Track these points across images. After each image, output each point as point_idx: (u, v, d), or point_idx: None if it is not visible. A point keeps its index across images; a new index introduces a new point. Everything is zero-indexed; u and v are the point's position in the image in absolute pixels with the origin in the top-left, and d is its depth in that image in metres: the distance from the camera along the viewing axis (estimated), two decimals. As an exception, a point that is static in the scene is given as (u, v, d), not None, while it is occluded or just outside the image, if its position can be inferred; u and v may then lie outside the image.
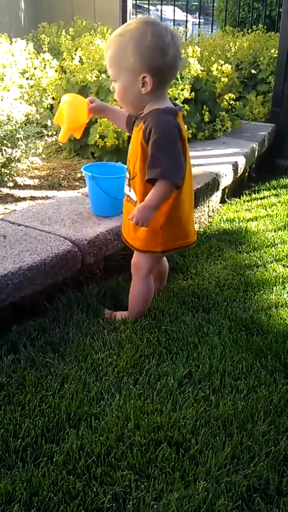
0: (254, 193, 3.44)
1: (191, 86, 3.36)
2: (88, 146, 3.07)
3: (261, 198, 3.32)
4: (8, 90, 3.22)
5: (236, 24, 6.69)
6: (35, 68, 3.78)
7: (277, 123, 4.17)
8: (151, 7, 8.89)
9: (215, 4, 7.97)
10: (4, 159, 2.72)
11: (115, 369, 1.60)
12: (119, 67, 1.65)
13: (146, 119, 1.66)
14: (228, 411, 1.44)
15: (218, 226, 2.82)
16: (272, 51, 4.64)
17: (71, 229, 2.06)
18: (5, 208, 2.49)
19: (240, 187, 3.50)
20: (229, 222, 2.87)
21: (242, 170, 3.33)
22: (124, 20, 5.09)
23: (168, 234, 1.77)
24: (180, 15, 8.76)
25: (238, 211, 3.06)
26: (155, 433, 1.36)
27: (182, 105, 3.22)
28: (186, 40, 5.31)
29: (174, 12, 6.68)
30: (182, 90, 3.24)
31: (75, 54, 3.72)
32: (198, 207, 2.76)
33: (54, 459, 1.28)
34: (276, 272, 2.29)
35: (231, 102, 3.63)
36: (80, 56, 3.72)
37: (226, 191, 3.26)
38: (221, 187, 3.01)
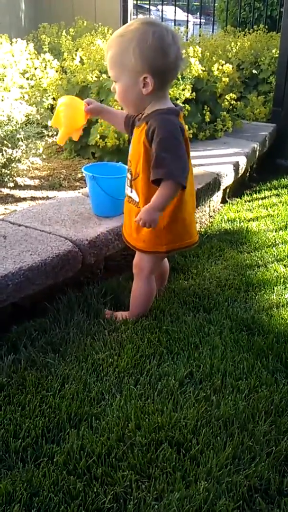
0: (255, 193, 3.43)
1: (192, 86, 3.35)
2: (89, 146, 3.07)
3: (262, 198, 3.32)
4: (9, 91, 3.22)
5: (237, 24, 6.68)
6: (35, 69, 3.78)
7: (278, 123, 4.16)
8: (152, 7, 8.90)
9: (216, 4, 7.97)
10: (5, 160, 2.72)
11: (116, 369, 1.60)
12: (120, 68, 1.65)
13: (148, 120, 1.65)
14: (229, 411, 1.44)
15: (219, 226, 2.82)
16: (274, 51, 4.63)
17: (71, 230, 2.06)
18: (5, 209, 2.49)
19: (241, 187, 3.50)
20: (230, 222, 2.87)
21: (243, 170, 3.33)
22: (125, 20, 5.09)
23: (172, 234, 1.76)
24: (181, 15, 8.76)
25: (239, 211, 3.06)
26: (156, 433, 1.36)
27: (183, 105, 3.22)
28: (187, 40, 5.30)
29: (175, 12, 6.68)
30: (183, 90, 3.24)
31: (76, 55, 3.72)
32: (199, 207, 2.76)
33: (54, 459, 1.28)
34: (277, 272, 2.28)
35: (232, 102, 3.63)
36: (80, 57, 3.71)
37: (227, 191, 3.26)
38: (222, 187, 3.00)
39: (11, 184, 2.76)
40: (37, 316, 1.84)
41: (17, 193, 2.71)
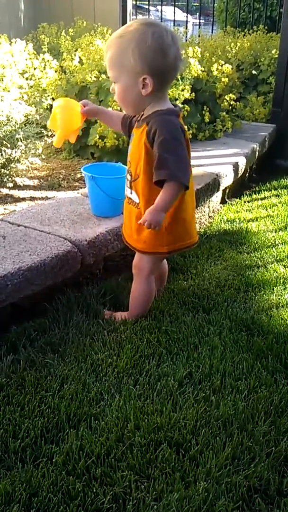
0: (255, 193, 3.43)
1: (191, 86, 3.35)
2: (88, 147, 3.07)
3: (261, 199, 3.32)
4: (8, 91, 3.22)
5: (236, 25, 6.69)
6: (34, 69, 3.78)
7: (277, 123, 4.17)
8: (151, 8, 8.91)
9: (215, 4, 7.97)
10: (4, 160, 2.72)
11: (115, 370, 1.60)
12: (119, 69, 1.64)
13: (149, 121, 1.65)
14: (228, 411, 1.44)
15: (219, 226, 2.82)
16: (273, 51, 4.64)
17: (70, 230, 2.06)
18: (4, 209, 2.49)
19: (240, 188, 3.50)
20: (229, 222, 2.87)
21: (243, 170, 3.33)
22: (124, 20, 5.09)
23: (172, 235, 1.76)
24: (181, 15, 8.77)
25: (239, 212, 3.06)
26: (155, 434, 1.36)
27: (182, 105, 3.22)
28: (186, 40, 5.31)
29: (174, 12, 6.68)
30: (182, 90, 3.24)
31: (75, 55, 3.72)
32: (198, 208, 2.76)
33: (53, 460, 1.28)
34: (276, 272, 2.28)
35: (231, 103, 3.63)
36: (79, 57, 3.71)
37: (227, 191, 3.26)
38: (222, 187, 3.00)
39: (10, 184, 2.76)
40: (36, 316, 1.84)
41: (16, 193, 2.71)
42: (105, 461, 1.28)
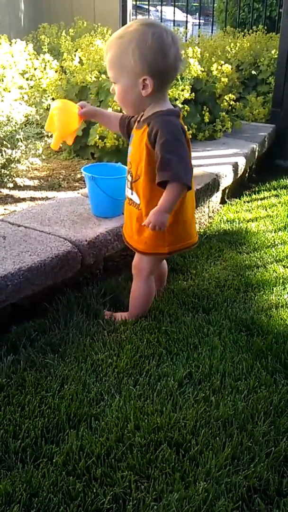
0: (254, 193, 3.44)
1: (191, 86, 3.35)
2: (88, 147, 3.07)
3: (261, 199, 3.32)
4: (9, 91, 3.22)
5: (236, 25, 6.69)
6: (35, 69, 3.78)
7: (277, 123, 4.17)
8: (151, 8, 8.91)
9: (215, 5, 7.97)
10: (4, 160, 2.72)
11: (115, 370, 1.60)
12: (119, 69, 1.64)
13: (149, 122, 1.65)
14: (228, 411, 1.44)
15: (218, 226, 2.82)
16: (273, 52, 4.64)
17: (71, 230, 2.06)
18: (5, 209, 2.49)
19: (240, 188, 3.50)
20: (229, 222, 2.87)
21: (242, 170, 3.33)
22: (124, 20, 5.10)
23: (173, 236, 1.76)
24: (180, 15, 8.77)
25: (238, 212, 3.06)
26: (155, 434, 1.36)
27: (182, 105, 3.23)
28: (186, 41, 5.31)
29: (174, 13, 6.69)
30: (182, 90, 3.24)
31: (75, 55, 3.73)
32: (198, 208, 2.76)
33: (54, 460, 1.28)
34: (276, 272, 2.29)
35: (231, 103, 3.63)
36: (80, 57, 3.72)
37: (226, 191, 3.26)
38: (221, 187, 3.01)
39: (11, 185, 2.77)
40: (36, 316, 1.84)
41: (17, 193, 2.71)
42: (105, 461, 1.28)
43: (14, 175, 2.84)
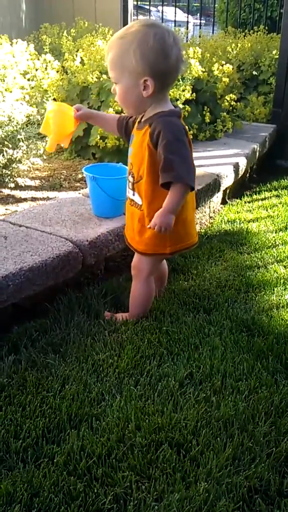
0: (255, 194, 3.44)
1: (192, 87, 3.35)
2: (89, 147, 3.08)
3: (262, 199, 3.32)
4: (11, 91, 3.23)
5: (237, 25, 6.69)
6: (36, 69, 3.78)
7: (278, 124, 4.17)
8: (152, 8, 8.91)
9: (216, 5, 7.97)
10: (5, 160, 2.72)
11: (116, 370, 1.60)
12: (120, 70, 1.64)
13: (151, 122, 1.65)
14: (229, 412, 1.44)
15: (219, 227, 2.82)
16: (274, 52, 4.64)
17: (72, 230, 2.07)
18: (6, 209, 2.49)
19: (241, 188, 3.51)
20: (230, 223, 2.87)
21: (243, 171, 3.33)
22: (125, 21, 5.10)
23: (175, 236, 1.76)
24: (181, 16, 8.77)
25: (239, 212, 3.06)
26: (156, 434, 1.36)
27: (183, 106, 3.23)
28: (187, 41, 5.31)
29: (175, 13, 6.69)
30: (183, 91, 3.24)
31: (76, 55, 3.73)
32: (199, 208, 2.76)
33: (55, 460, 1.28)
34: (277, 273, 2.29)
35: (232, 103, 3.63)
36: (81, 57, 3.72)
37: (227, 192, 3.26)
38: (222, 188, 3.01)
39: (12, 185, 2.77)
40: (37, 316, 1.84)
41: (18, 193, 2.71)
42: (106, 461, 1.28)
43: (16, 175, 2.84)
